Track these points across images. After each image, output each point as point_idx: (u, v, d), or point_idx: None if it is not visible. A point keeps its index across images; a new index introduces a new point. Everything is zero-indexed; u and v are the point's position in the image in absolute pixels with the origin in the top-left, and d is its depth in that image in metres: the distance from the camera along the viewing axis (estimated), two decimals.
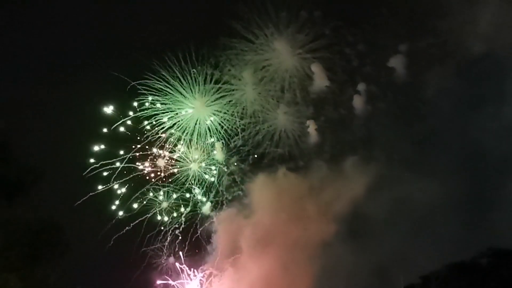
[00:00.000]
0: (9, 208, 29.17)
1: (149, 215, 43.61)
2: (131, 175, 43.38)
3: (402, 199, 44.11)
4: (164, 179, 44.70)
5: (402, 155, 46.01)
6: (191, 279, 43.51)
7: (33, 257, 28.93)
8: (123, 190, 43.20)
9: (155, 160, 44.44)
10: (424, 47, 46.93)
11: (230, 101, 45.93)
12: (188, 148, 45.24)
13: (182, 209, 44.85)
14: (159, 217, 44.38)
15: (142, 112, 43.84)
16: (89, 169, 41.78)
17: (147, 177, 44.35)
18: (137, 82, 43.50)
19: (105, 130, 43.10)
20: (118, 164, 42.91)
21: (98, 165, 41.77)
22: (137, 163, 43.72)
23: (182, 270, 43.34)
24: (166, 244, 43.09)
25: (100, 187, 42.36)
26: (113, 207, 42.89)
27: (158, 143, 44.67)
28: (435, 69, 46.34)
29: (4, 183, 29.02)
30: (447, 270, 36.66)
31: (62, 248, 29.81)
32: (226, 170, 46.15)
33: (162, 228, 43.48)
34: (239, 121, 45.89)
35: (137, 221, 42.91)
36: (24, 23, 42.06)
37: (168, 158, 44.86)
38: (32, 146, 32.04)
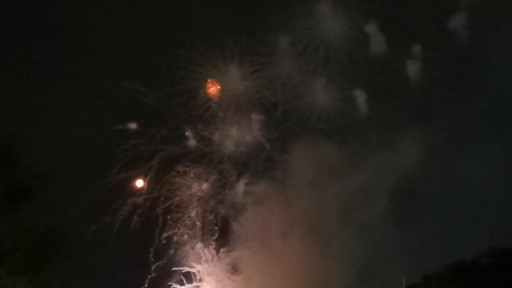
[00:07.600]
0: (15, 212, 29.04)
1: (176, 201, 42.22)
2: (158, 158, 41.70)
3: (457, 178, 40.80)
4: (194, 161, 42.75)
5: (462, 128, 42.03)
6: (219, 264, 42.12)
7: (39, 260, 28.85)
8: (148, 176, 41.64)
9: (186, 140, 42.53)
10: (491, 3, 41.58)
11: (267, 74, 42.88)
12: (223, 125, 43.03)
13: (213, 191, 43.04)
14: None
15: (174, 88, 41.75)
16: (120, 150, 40.63)
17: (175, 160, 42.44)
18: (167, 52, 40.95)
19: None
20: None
21: (128, 146, 40.49)
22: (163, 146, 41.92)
23: (211, 255, 41.97)
24: (194, 230, 41.67)
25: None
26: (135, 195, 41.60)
27: (190, 120, 42.65)
28: (503, 29, 41.59)
29: (10, 188, 28.78)
30: (449, 269, 34.21)
31: (67, 250, 29.36)
32: (263, 147, 43.67)
33: (190, 213, 42.02)
34: (277, 96, 42.93)
35: (162, 208, 41.57)
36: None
37: (201, 137, 42.82)
38: (39, 148, 31.06)
